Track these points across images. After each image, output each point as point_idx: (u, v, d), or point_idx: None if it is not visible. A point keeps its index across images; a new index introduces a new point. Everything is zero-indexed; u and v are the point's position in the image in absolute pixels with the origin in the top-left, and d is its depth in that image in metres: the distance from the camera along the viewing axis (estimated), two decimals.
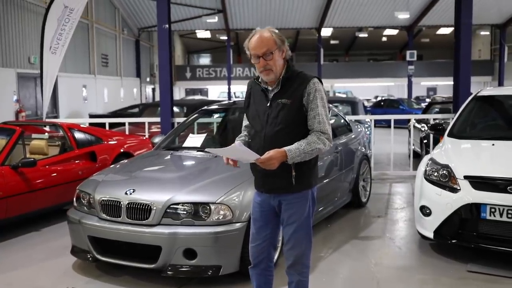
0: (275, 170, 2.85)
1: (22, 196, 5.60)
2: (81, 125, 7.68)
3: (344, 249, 5.03)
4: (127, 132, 8.86)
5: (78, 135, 6.70)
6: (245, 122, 3.23)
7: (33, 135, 6.88)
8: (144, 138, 8.19)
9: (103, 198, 4.30)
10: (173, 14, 24.81)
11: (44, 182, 5.90)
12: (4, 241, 5.46)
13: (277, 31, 2.98)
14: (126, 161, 5.50)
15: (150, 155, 5.42)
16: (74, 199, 4.69)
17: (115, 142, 7.28)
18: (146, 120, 9.18)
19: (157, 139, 5.89)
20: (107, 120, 9.09)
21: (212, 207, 4.00)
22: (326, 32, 32.44)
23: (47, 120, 8.81)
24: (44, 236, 5.67)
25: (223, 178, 4.40)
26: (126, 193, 4.21)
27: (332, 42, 38.69)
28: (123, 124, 9.31)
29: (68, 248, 4.68)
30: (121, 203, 4.18)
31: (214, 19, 25.33)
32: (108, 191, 4.38)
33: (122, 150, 7.15)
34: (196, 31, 31.45)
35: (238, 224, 4.02)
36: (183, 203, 4.04)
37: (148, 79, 29.86)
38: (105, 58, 22.42)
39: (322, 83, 3.02)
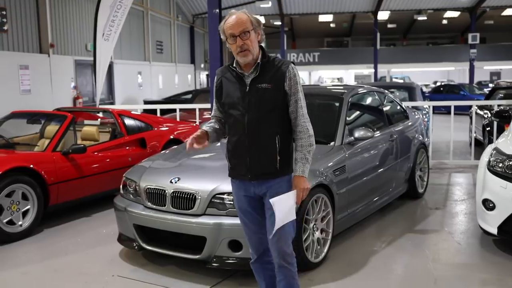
0: (259, 156, 2.89)
1: (73, 182, 5.64)
2: (133, 112, 7.69)
3: (398, 243, 4.75)
4: (177, 119, 8.83)
5: (129, 122, 6.70)
6: (214, 112, 3.18)
7: (85, 122, 6.93)
8: (195, 124, 8.12)
9: (148, 186, 4.22)
10: (226, 0, 24.75)
11: (94, 168, 5.92)
12: (55, 227, 5.52)
13: (253, 15, 2.95)
14: (174, 148, 5.41)
15: None
16: (121, 186, 4.65)
17: (165, 128, 7.25)
18: (197, 106, 9.11)
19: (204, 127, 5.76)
20: (158, 107, 9.09)
21: None
22: (383, 15, 31.48)
23: (99, 107, 8.88)
24: (94, 222, 5.70)
25: None
26: (171, 182, 4.12)
27: (389, 26, 37.51)
28: (175, 110, 9.29)
29: (116, 235, 4.65)
30: (166, 191, 4.09)
31: (268, 4, 25.01)
32: (154, 179, 4.30)
33: (172, 137, 7.10)
34: None
35: None
36: (228, 193, 3.89)
37: (202, 66, 30.00)
38: (160, 45, 22.64)
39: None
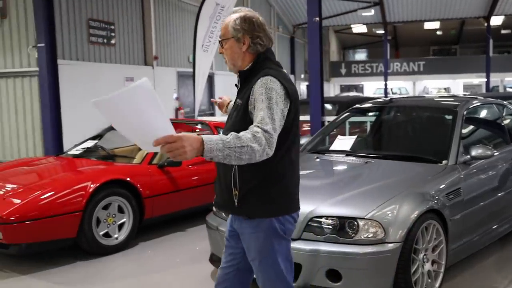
0: (220, 184, 2.47)
1: (168, 196, 5.56)
2: None
3: None
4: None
5: None
6: None
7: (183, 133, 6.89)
8: None
9: None
10: (327, 9, 24.39)
11: (189, 181, 5.81)
12: (149, 241, 5.46)
13: (249, 16, 2.44)
14: None
15: None
16: (213, 203, 4.44)
17: None
18: None
19: (303, 140, 5.44)
20: None
21: (361, 223, 3.44)
22: (496, 20, 29.39)
23: (196, 118, 8.88)
24: (188, 238, 5.58)
25: (375, 189, 3.82)
26: None
27: (503, 31, 34.98)
28: None
29: (209, 254, 4.46)
30: None
31: (370, 12, 24.30)
32: None
33: None
34: (352, 25, 30.60)
35: (391, 245, 3.40)
36: (327, 216, 3.54)
37: (302, 76, 29.78)
38: None
39: (281, 83, 2.33)
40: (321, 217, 3.56)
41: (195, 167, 5.95)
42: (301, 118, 8.73)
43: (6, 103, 10.15)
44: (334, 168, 4.63)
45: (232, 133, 2.09)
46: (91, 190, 4.82)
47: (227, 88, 18.71)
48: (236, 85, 2.56)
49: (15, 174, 5.45)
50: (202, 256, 4.81)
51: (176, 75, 14.80)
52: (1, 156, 10.17)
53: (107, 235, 5.03)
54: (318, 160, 4.73)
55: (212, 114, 16.69)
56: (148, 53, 13.21)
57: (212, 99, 3.05)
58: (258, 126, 2.14)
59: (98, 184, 4.88)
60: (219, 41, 2.54)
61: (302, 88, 30.33)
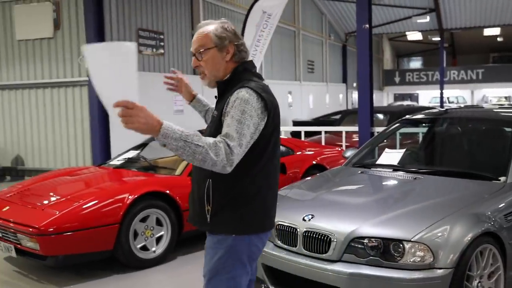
0: (193, 198, 2.33)
1: None
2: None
3: None
4: (323, 142, 8.33)
5: None
6: None
7: None
8: (340, 149, 7.54)
9: (279, 223, 3.74)
10: (381, 16, 23.87)
11: None
12: (188, 254, 5.32)
13: (227, 25, 2.34)
14: (316, 176, 4.91)
15: (337, 173, 4.73)
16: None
17: (308, 153, 6.78)
18: (343, 129, 8.52)
19: (348, 153, 5.16)
20: (302, 129, 8.70)
21: (407, 245, 3.15)
22: None
23: None
24: None
25: (424, 208, 3.52)
26: (304, 219, 3.60)
27: None
28: (326, 132, 8.78)
29: None
30: (298, 230, 3.57)
31: (426, 19, 23.57)
32: (285, 214, 3.81)
33: (314, 162, 6.61)
34: (406, 33, 29.86)
35: (440, 271, 3.10)
36: (370, 238, 3.27)
37: (354, 85, 29.27)
38: (311, 64, 22.46)
39: (259, 96, 2.18)
40: (363, 238, 3.29)
41: None
42: (349, 129, 8.50)
43: (58, 112, 10.36)
44: (379, 184, 4.34)
45: (197, 131, 2.02)
46: (128, 202, 4.73)
47: (277, 96, 18.50)
48: (216, 97, 2.42)
49: (54, 184, 5.45)
50: None
51: None
52: (52, 164, 10.38)
53: (144, 248, 4.92)
54: (362, 174, 4.45)
55: None
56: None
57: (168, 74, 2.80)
58: (223, 138, 2.05)
59: (136, 196, 4.79)
60: (194, 54, 2.35)
61: (354, 97, 29.80)
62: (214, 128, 2.25)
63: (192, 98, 2.83)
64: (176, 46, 12.42)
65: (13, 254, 4.67)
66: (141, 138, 6.87)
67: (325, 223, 3.50)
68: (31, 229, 4.39)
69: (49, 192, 5.18)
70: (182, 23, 12.64)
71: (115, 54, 1.95)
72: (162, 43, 11.75)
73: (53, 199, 4.91)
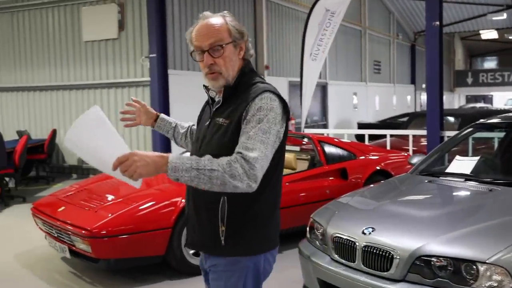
0: (200, 220, 2.04)
1: None
2: (337, 137, 7.04)
3: None
4: (388, 146, 7.90)
5: (329, 149, 6.05)
6: None
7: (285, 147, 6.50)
8: (406, 153, 7.11)
9: (336, 234, 3.46)
10: (453, 14, 22.84)
11: (287, 200, 5.37)
12: None
13: (234, 20, 2.07)
14: (380, 183, 4.57)
15: (402, 181, 4.36)
16: (307, 228, 3.98)
17: (371, 158, 6.41)
18: (410, 132, 8.06)
19: (415, 159, 4.77)
20: (366, 132, 8.30)
21: (481, 268, 2.78)
22: None
23: (302, 131, 8.45)
24: (284, 261, 5.09)
25: (501, 225, 3.13)
26: (363, 232, 3.29)
27: None
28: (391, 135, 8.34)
29: (301, 283, 4.00)
30: (357, 244, 3.27)
31: (502, 16, 22.29)
32: (343, 225, 3.53)
33: (378, 168, 6.24)
34: (480, 31, 28.44)
35: None
36: (438, 256, 2.92)
37: (423, 86, 28.22)
38: (378, 64, 21.82)
39: (281, 100, 1.99)
40: (431, 256, 2.95)
41: (293, 184, 5.51)
42: (417, 132, 8.03)
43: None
44: (449, 195, 3.93)
45: (207, 155, 1.82)
46: (181, 205, 4.59)
47: (341, 98, 18.16)
48: (211, 99, 2.14)
49: (112, 185, 5.40)
50: (294, 286, 4.36)
51: (288, 85, 14.52)
52: None
53: (197, 254, 4.76)
54: (430, 184, 4.06)
55: (325, 126, 16.21)
56: (259, 63, 13.07)
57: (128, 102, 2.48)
58: (241, 153, 1.83)
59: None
60: (207, 50, 2.01)
61: (423, 98, 28.75)
62: (229, 137, 1.97)
63: (155, 119, 2.46)
64: None
65: (67, 255, 4.65)
66: None
67: (387, 238, 3.18)
68: (83, 231, 4.33)
69: (105, 192, 5.14)
70: (245, 23, 12.51)
71: (88, 125, 1.90)
72: None
73: (108, 200, 4.86)
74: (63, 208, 4.88)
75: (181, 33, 10.32)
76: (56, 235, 4.75)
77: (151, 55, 9.11)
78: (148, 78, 9.59)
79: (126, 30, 10.24)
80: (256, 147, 1.85)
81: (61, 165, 11.22)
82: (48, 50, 11.23)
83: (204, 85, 2.15)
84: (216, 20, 2.04)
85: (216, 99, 2.10)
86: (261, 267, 2.08)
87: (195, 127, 2.39)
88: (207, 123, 2.10)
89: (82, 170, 10.88)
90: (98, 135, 1.87)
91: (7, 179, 8.44)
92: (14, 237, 6.23)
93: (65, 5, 10.93)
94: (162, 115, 2.46)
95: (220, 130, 2.01)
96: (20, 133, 10.26)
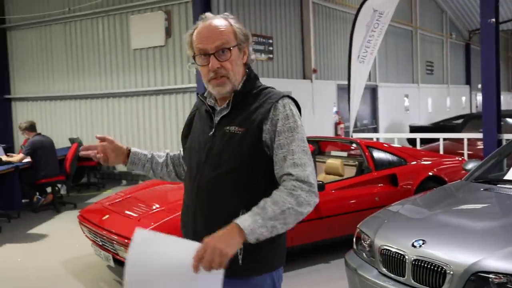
0: None
1: (309, 223, 5.00)
2: (385, 142, 6.79)
3: None
4: (441, 150, 7.56)
5: (378, 155, 5.82)
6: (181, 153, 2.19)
7: (332, 153, 6.32)
8: (461, 158, 6.77)
9: (384, 247, 3.27)
10: (510, 10, 21.86)
11: (334, 208, 5.20)
12: (287, 272, 4.95)
13: (238, 22, 1.93)
14: (427, 192, 4.33)
15: (456, 188, 4.10)
16: (354, 239, 3.79)
17: (423, 163, 6.12)
18: (465, 135, 7.68)
19: (470, 165, 4.50)
20: (417, 135, 7.98)
21: None
22: None
23: (351, 136, 8.21)
24: (332, 273, 4.96)
25: None
26: (413, 245, 3.09)
27: None
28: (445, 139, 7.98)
29: None
30: (406, 257, 3.07)
31: None
32: (392, 236, 3.33)
33: (430, 174, 5.95)
34: None
35: None
36: (496, 273, 2.69)
37: (479, 86, 27.20)
38: (430, 65, 21.15)
39: (297, 105, 1.92)
40: (488, 272, 2.72)
41: (340, 192, 5.32)
42: (472, 135, 7.65)
43: (169, 118, 10.57)
44: (508, 204, 3.65)
45: (265, 200, 1.69)
46: None
47: (392, 100, 17.71)
48: (211, 108, 1.96)
49: (157, 192, 5.38)
50: None
51: (336, 88, 14.27)
52: None
53: None
54: (486, 192, 3.79)
55: (375, 129, 15.82)
56: (306, 66, 12.89)
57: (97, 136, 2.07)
58: (292, 175, 1.74)
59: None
60: (213, 54, 1.86)
61: (479, 99, 27.73)
62: (245, 150, 1.83)
63: (127, 155, 2.09)
64: (285, 50, 12.18)
65: (112, 263, 4.64)
66: None
67: (439, 251, 2.96)
68: (126, 240, 4.29)
69: (150, 200, 5.10)
70: (291, 26, 12.38)
71: (141, 254, 1.66)
72: (271, 48, 11.56)
73: (152, 208, 4.82)
74: (107, 216, 4.88)
75: None
76: (101, 243, 4.75)
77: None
78: (195, 85, 9.60)
79: (173, 37, 10.31)
80: (303, 161, 1.78)
81: (111, 172, 11.42)
82: (99, 58, 11.48)
83: (199, 94, 2.04)
84: (220, 21, 1.90)
85: (218, 108, 1.96)
86: (277, 283, 1.94)
87: (172, 153, 2.20)
88: (211, 132, 1.92)
89: (132, 176, 11.02)
90: (157, 256, 1.62)
91: (59, 185, 8.63)
92: (63, 244, 6.32)
93: (114, 14, 11.14)
94: (134, 149, 2.12)
95: (234, 138, 1.86)
96: (72, 141, 10.50)
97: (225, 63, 1.86)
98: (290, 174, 1.75)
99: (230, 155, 1.85)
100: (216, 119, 1.94)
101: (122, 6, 10.97)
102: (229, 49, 1.86)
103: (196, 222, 1.93)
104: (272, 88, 1.98)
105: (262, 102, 1.88)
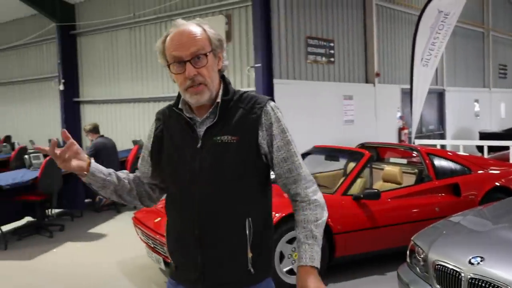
0: (219, 254, 1.77)
1: (364, 233, 4.83)
2: (451, 148, 6.46)
3: None
4: (511, 159, 7.12)
5: (439, 162, 5.53)
6: (139, 168, 2.01)
7: (391, 160, 6.08)
8: None
9: (438, 262, 3.06)
10: None
11: (389, 217, 4.98)
12: (339, 283, 4.80)
13: (211, 28, 1.86)
14: (493, 204, 4.06)
15: None
16: (408, 252, 3.60)
17: (490, 172, 5.77)
18: None
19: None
20: (485, 143, 7.55)
21: None
22: None
23: (413, 142, 7.89)
24: (387, 284, 4.75)
25: None
26: (470, 262, 2.87)
27: None
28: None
29: None
30: (462, 275, 2.86)
31: None
32: (447, 251, 3.12)
33: (497, 184, 5.59)
34: None
35: None
36: None
37: None
38: (503, 68, 20.12)
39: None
40: None
41: (396, 201, 5.10)
42: None
43: None
44: None
45: (306, 223, 1.77)
46: (274, 221, 4.40)
47: (461, 105, 16.98)
48: (190, 120, 1.86)
49: None
50: None
51: (400, 93, 13.83)
52: None
53: (291, 272, 4.54)
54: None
55: (442, 136, 15.22)
56: (369, 70, 12.57)
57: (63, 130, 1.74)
58: (306, 187, 1.84)
59: (282, 215, 4.43)
60: (189, 61, 1.77)
61: None
62: (242, 158, 1.78)
63: (87, 167, 1.79)
64: (347, 53, 11.93)
65: (162, 266, 4.66)
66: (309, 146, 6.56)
67: (498, 270, 2.74)
68: None
69: None
70: (354, 29, 12.11)
71: None
72: (332, 51, 11.36)
73: None
74: (159, 219, 4.91)
75: (286, 42, 10.21)
76: (152, 246, 4.78)
77: (255, 65, 9.10)
78: (254, 88, 9.57)
79: (233, 41, 10.33)
80: (299, 162, 1.86)
81: None
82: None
83: (172, 106, 1.95)
84: (194, 27, 1.82)
85: (198, 118, 1.86)
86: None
87: (132, 175, 2.01)
88: (199, 145, 1.81)
89: None
90: None
91: None
92: (120, 244, 6.45)
93: (176, 19, 11.25)
94: (94, 162, 1.84)
95: (229, 148, 1.78)
96: (135, 143, 10.76)
97: (202, 70, 1.79)
98: (310, 190, 1.83)
99: (229, 165, 1.78)
100: (200, 130, 1.84)
101: (185, 11, 11.13)
102: (205, 55, 1.79)
103: (202, 241, 1.80)
104: (248, 92, 1.92)
105: (249, 108, 1.83)
